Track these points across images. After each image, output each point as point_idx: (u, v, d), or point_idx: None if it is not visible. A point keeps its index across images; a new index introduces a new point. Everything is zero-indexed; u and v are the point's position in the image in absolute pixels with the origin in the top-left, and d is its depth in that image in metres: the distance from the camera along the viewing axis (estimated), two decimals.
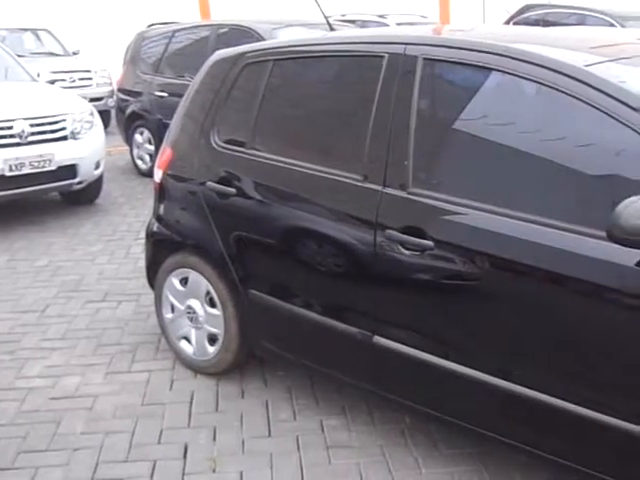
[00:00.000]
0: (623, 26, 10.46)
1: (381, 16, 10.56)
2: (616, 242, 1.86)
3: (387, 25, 9.23)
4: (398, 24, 9.46)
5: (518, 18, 12.24)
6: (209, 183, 2.98)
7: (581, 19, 11.22)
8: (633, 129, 1.96)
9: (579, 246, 2.01)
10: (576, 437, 2.14)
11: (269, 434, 2.80)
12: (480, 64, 2.29)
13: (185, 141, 3.19)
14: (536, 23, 11.06)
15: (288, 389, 3.11)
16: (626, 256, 1.92)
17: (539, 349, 2.14)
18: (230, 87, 3.00)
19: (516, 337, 2.20)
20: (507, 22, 12.33)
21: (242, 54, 3.01)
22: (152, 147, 7.21)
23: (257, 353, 3.09)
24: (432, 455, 2.64)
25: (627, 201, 1.81)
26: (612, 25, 10.52)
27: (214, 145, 3.01)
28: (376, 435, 2.77)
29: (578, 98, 2.06)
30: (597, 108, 2.02)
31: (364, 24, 9.57)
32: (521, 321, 2.17)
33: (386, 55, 2.49)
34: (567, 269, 2.05)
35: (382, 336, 2.49)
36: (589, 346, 2.06)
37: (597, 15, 11.18)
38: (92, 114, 6.08)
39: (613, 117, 1.99)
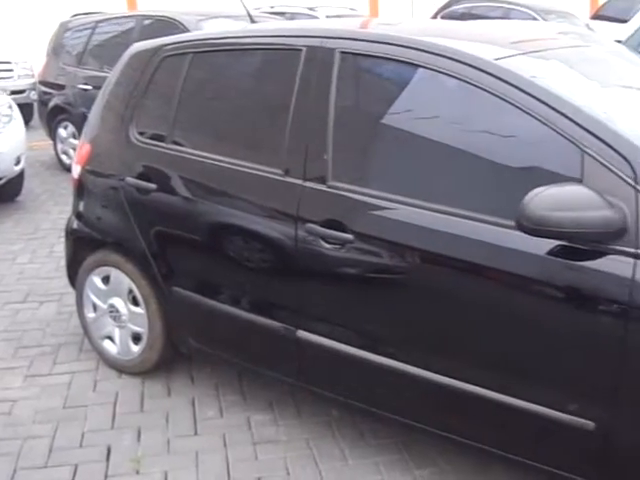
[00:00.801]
0: (545, 20, 10.77)
1: (311, 9, 10.54)
2: (524, 232, 1.90)
3: (317, 17, 9.21)
4: (328, 17, 9.47)
5: (445, 12, 12.46)
6: (128, 179, 2.91)
7: (506, 13, 11.50)
8: (540, 120, 2.01)
9: (495, 237, 2.05)
10: (493, 422, 2.19)
11: (195, 432, 2.77)
12: (395, 57, 2.31)
13: (103, 136, 3.10)
14: (462, 17, 11.29)
15: (215, 386, 3.08)
16: (538, 245, 1.97)
17: (458, 338, 2.18)
18: (148, 81, 2.93)
19: (435, 327, 2.23)
20: (434, 16, 12.53)
21: (160, 47, 2.95)
22: (77, 141, 6.98)
23: (183, 351, 3.04)
24: (358, 446, 2.66)
25: (534, 192, 1.86)
26: (535, 19, 10.83)
27: (133, 140, 2.94)
28: (303, 429, 2.77)
29: (489, 91, 2.10)
30: (506, 100, 2.07)
31: (293, 16, 9.53)
32: (440, 311, 2.20)
33: (304, 48, 2.48)
34: (484, 259, 2.09)
35: (305, 330, 2.49)
36: (507, 333, 2.10)
37: (521, 9, 11.48)
38: (10, 107, 5.85)
39: (521, 109, 2.04)
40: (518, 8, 11.45)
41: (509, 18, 10.91)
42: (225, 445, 2.68)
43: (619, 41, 8.47)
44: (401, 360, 2.30)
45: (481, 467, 2.50)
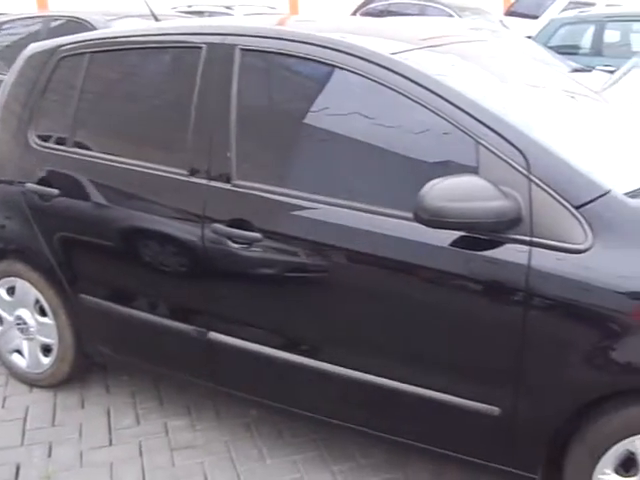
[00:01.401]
0: (460, 16, 11.01)
1: (228, 7, 10.45)
2: (422, 224, 1.92)
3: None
4: (246, 15, 9.41)
5: (364, 9, 12.59)
6: (29, 184, 2.80)
7: (422, 9, 11.71)
8: (436, 113, 2.04)
9: (401, 230, 2.06)
10: (406, 414, 2.21)
11: (110, 443, 2.69)
12: (294, 54, 2.30)
13: (2, 139, 2.98)
14: (380, 14, 11.42)
15: (132, 394, 3.00)
16: (441, 237, 1.99)
17: (368, 332, 2.19)
18: (46, 82, 2.83)
19: (344, 322, 2.23)
20: (353, 13, 12.64)
21: (57, 47, 2.85)
22: None
23: (97, 360, 2.95)
24: (277, 445, 2.64)
25: (430, 183, 1.88)
26: (450, 16, 11.05)
27: (32, 143, 2.83)
28: (221, 431, 2.73)
29: (385, 85, 2.12)
30: (403, 94, 2.09)
31: (211, 15, 9.43)
32: (347, 306, 2.21)
33: (204, 46, 2.44)
34: (389, 253, 2.10)
35: (217, 332, 2.46)
36: (414, 325, 2.12)
37: (436, 6, 11.71)
38: None
39: (418, 102, 2.07)
40: (434, 5, 11.68)
41: (425, 15, 11.12)
42: (141, 454, 2.62)
43: (530, 37, 8.77)
44: (313, 357, 2.29)
45: (399, 460, 2.53)
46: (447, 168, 2.02)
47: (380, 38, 2.44)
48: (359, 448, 2.58)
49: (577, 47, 9.10)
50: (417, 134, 2.12)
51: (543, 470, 2.06)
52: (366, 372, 2.21)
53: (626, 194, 1.94)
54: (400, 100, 2.10)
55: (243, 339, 2.41)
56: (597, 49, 8.67)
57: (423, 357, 2.13)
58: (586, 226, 1.87)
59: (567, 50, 8.59)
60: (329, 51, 2.23)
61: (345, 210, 2.14)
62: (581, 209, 1.88)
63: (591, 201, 1.88)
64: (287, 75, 2.41)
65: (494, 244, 1.95)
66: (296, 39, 2.30)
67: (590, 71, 7.06)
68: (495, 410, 2.02)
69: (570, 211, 1.88)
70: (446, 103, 2.05)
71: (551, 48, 7.96)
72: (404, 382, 2.15)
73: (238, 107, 2.34)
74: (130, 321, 2.67)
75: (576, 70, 6.91)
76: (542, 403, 1.96)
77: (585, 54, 8.92)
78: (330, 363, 2.26)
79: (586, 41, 8.99)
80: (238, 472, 2.51)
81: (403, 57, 2.19)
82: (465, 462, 2.20)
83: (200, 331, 2.48)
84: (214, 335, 2.46)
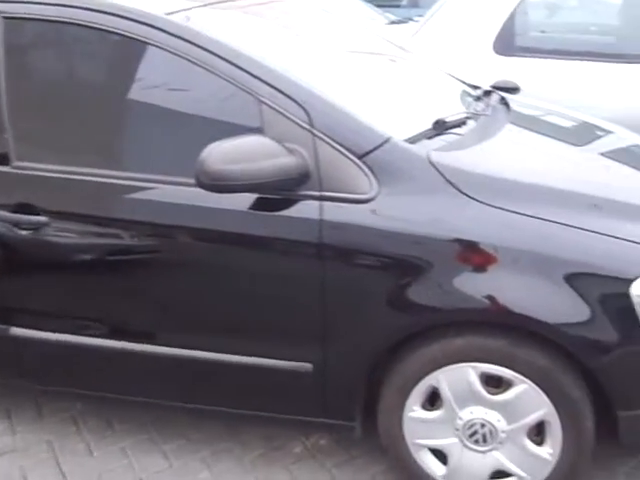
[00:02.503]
0: None
1: None
2: (206, 189, 1.86)
3: None
4: None
5: None
6: None
7: None
8: (215, 74, 1.97)
9: (191, 198, 1.99)
10: (226, 384, 2.18)
11: None
12: (65, 20, 2.12)
13: None
14: None
15: None
16: (238, 201, 1.94)
17: (178, 306, 2.12)
18: None
19: (156, 300, 2.15)
20: None
21: None
22: None
23: None
24: (105, 435, 2.53)
25: (210, 147, 1.81)
26: None
27: None
28: (44, 431, 2.57)
29: (161, 47, 2.01)
30: (180, 55, 1.99)
31: None
32: (149, 281, 2.12)
33: None
34: (187, 221, 2.03)
35: (22, 327, 2.28)
36: (223, 293, 2.07)
37: None
38: None
39: (195, 63, 1.98)
40: None
41: None
42: None
43: None
44: (130, 340, 2.19)
45: (231, 430, 2.50)
46: (233, 130, 1.95)
47: None
48: (191, 424, 2.53)
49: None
50: (200, 97, 2.05)
51: (361, 417, 2.11)
52: (185, 348, 2.14)
53: (406, 140, 1.98)
54: (179, 63, 2.00)
55: (53, 331, 2.26)
56: (413, 1, 8.95)
57: (236, 325, 2.09)
58: (370, 175, 1.89)
59: (387, 2, 8.80)
60: (99, 14, 2.08)
61: (132, 182, 2.04)
62: (364, 158, 1.89)
63: (373, 150, 1.90)
64: (60, 43, 2.23)
65: (286, 203, 1.93)
66: (62, 3, 2.12)
67: (407, 22, 7.26)
68: (308, 366, 2.03)
69: (354, 162, 1.90)
70: (225, 63, 1.98)
71: (370, 1, 8.10)
72: (223, 352, 2.11)
73: (8, 83, 2.14)
74: None
75: (393, 22, 7.08)
76: (350, 352, 1.99)
77: (404, 6, 9.19)
78: (149, 343, 2.18)
79: None
80: (62, 471, 2.37)
81: (179, 16, 2.09)
82: (291, 421, 2.22)
83: (1, 328, 2.30)
84: (18, 331, 2.28)
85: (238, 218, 1.98)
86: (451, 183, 1.89)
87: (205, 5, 2.31)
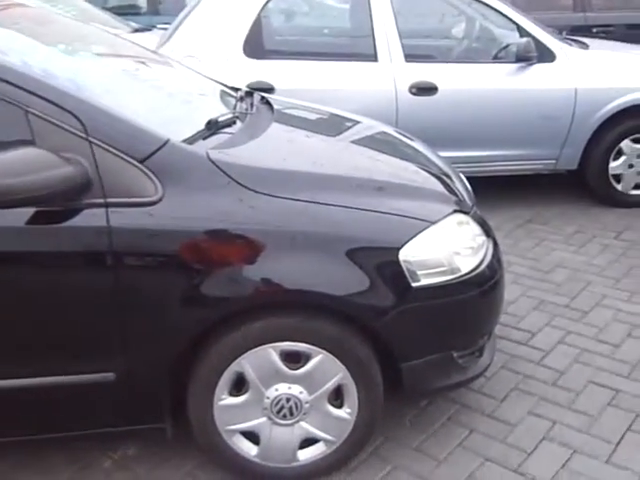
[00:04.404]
0: None
1: None
2: None
3: None
4: None
5: None
6: None
7: None
8: None
9: None
10: (27, 410, 2.07)
11: None
12: None
13: None
14: None
15: None
16: (15, 217, 1.85)
17: None
18: None
19: None
20: None
21: None
22: None
23: None
24: None
25: None
26: None
27: None
28: None
29: None
30: None
31: None
32: None
33: None
34: None
35: None
36: (12, 317, 1.96)
37: None
38: None
39: None
40: None
41: None
42: None
43: None
44: None
45: (29, 458, 2.37)
46: (2, 144, 1.86)
47: None
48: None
49: (136, 7, 9.24)
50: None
51: (171, 416, 2.13)
52: None
53: (184, 141, 2.05)
54: None
55: None
56: (154, 9, 8.92)
57: (34, 346, 1.99)
58: (154, 178, 1.92)
59: (126, 11, 8.66)
60: None
61: None
62: (146, 162, 1.92)
63: (153, 153, 1.94)
64: None
65: (71, 213, 1.89)
66: None
67: (151, 30, 7.23)
68: (110, 376, 2.01)
69: (136, 166, 1.92)
70: None
71: (110, 10, 7.92)
72: (18, 377, 2.00)
73: None
74: None
75: (137, 30, 7.01)
76: (152, 355, 2.01)
77: (145, 13, 9.11)
78: None
79: (142, 1, 9.19)
80: None
81: None
82: (92, 437, 2.18)
83: None
84: None
85: (18, 234, 1.90)
86: (232, 178, 1.99)
87: None
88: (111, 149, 1.91)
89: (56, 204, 1.87)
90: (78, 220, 1.90)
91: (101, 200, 1.90)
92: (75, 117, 1.90)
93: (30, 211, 1.87)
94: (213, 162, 2.00)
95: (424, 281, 2.10)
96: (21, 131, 1.88)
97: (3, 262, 1.93)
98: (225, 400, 2.10)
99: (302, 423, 2.16)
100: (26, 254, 1.93)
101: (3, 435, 2.12)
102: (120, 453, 2.41)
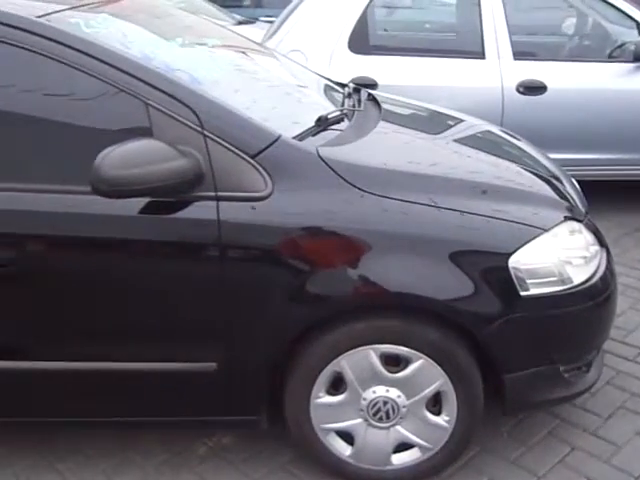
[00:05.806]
0: None
1: None
2: (103, 196, 1.82)
3: None
4: None
5: None
6: None
7: None
8: (99, 78, 1.92)
9: (84, 206, 1.93)
10: (130, 393, 2.13)
11: None
12: None
13: None
14: None
15: None
16: (128, 206, 1.91)
17: (79, 318, 2.03)
18: None
19: (52, 314, 2.04)
20: None
21: None
22: None
23: None
24: None
25: (103, 153, 1.78)
26: None
27: None
28: None
29: (38, 52, 1.93)
30: (59, 60, 1.92)
31: None
32: (52, 297, 2.02)
33: None
34: (75, 231, 1.97)
35: None
36: (123, 302, 2.01)
37: None
38: None
39: (76, 68, 1.92)
40: None
41: None
42: None
43: None
44: (22, 359, 2.08)
45: (126, 440, 2.45)
46: (121, 134, 1.92)
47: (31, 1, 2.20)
48: (83, 440, 2.45)
49: (239, 0, 9.40)
50: (82, 103, 1.98)
51: (267, 410, 2.15)
52: (84, 360, 2.07)
53: (295, 137, 2.05)
54: (58, 67, 1.93)
55: None
56: (257, 1, 9.04)
57: (138, 332, 2.05)
58: (264, 173, 1.94)
59: (231, 3, 8.82)
60: None
61: (19, 194, 1.94)
62: (257, 158, 1.94)
63: (265, 149, 1.95)
64: None
65: (182, 205, 1.93)
66: None
67: (254, 22, 7.33)
68: (212, 365, 2.05)
69: (248, 161, 1.94)
70: (107, 66, 1.93)
71: (214, 1, 8.09)
72: (124, 361, 2.07)
73: None
74: None
75: (241, 22, 7.13)
76: (254, 348, 2.03)
77: (247, 6, 9.26)
78: (43, 360, 2.07)
79: None
80: None
81: (53, 19, 2.01)
82: (189, 424, 2.23)
83: None
84: None
85: (133, 223, 1.95)
86: (341, 177, 1.98)
87: (75, 8, 2.23)
88: (224, 143, 1.93)
89: (170, 196, 1.91)
90: (188, 212, 1.94)
91: (212, 193, 1.93)
92: (192, 110, 1.93)
93: (144, 200, 1.92)
94: (323, 160, 2.00)
95: (533, 290, 2.02)
96: (141, 123, 1.94)
97: (116, 249, 2.00)
98: (322, 398, 2.09)
99: (398, 427, 2.13)
100: (139, 243, 1.98)
101: (112, 414, 2.20)
102: (215, 441, 2.46)
